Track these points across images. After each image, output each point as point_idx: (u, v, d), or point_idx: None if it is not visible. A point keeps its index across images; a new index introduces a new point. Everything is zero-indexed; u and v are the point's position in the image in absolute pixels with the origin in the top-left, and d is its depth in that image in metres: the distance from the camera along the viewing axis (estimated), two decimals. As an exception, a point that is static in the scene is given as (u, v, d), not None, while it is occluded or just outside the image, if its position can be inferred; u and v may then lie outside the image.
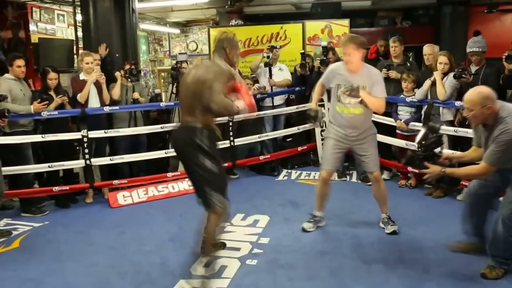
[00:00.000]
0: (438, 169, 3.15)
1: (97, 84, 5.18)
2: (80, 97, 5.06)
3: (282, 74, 6.38)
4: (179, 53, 6.86)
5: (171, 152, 5.62)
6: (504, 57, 4.35)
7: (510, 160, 3.00)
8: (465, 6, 9.17)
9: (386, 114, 5.38)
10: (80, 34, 7.41)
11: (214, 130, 3.10)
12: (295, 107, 6.37)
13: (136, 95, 5.37)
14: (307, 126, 6.39)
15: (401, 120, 5.16)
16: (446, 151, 4.17)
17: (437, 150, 3.26)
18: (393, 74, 5.39)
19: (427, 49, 5.35)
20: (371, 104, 3.77)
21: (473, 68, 4.78)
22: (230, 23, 8.96)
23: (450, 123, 4.79)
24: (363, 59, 3.82)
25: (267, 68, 6.20)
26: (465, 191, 3.51)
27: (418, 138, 3.35)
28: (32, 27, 7.93)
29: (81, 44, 7.26)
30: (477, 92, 3.07)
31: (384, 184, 4.06)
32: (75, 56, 7.85)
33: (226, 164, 5.77)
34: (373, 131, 3.98)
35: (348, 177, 5.77)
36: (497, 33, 8.43)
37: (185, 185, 5.37)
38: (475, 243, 3.48)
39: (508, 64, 4.33)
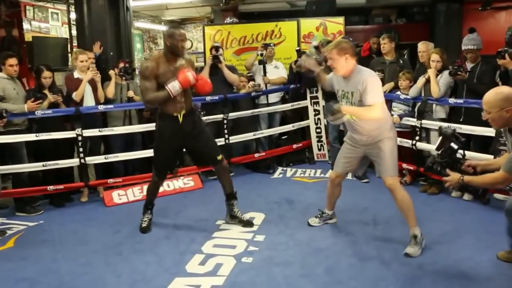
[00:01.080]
0: (457, 177, 2.93)
1: (91, 82, 5.16)
2: (76, 96, 5.05)
3: (277, 72, 6.38)
4: (174, 51, 6.84)
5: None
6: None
7: None
8: (459, 3, 9.21)
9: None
10: (74, 32, 7.39)
11: (166, 115, 3.92)
12: (290, 104, 6.38)
13: (130, 93, 5.36)
14: (302, 124, 6.40)
15: (393, 115, 5.18)
16: (474, 156, 4.17)
17: (459, 155, 3.05)
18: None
19: (421, 46, 5.36)
20: (359, 116, 3.55)
21: (469, 65, 4.79)
22: (225, 21, 8.94)
23: (443, 121, 4.81)
24: (351, 64, 3.58)
25: (261, 66, 6.20)
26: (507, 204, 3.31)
27: (436, 144, 3.15)
28: (25, 25, 7.89)
29: (75, 43, 7.24)
30: (496, 92, 2.82)
31: (403, 193, 3.60)
32: (70, 55, 7.82)
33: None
34: (386, 135, 3.63)
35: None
36: (491, 30, 8.45)
37: (180, 183, 5.38)
38: None
39: (499, 60, 4.36)
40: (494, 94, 2.81)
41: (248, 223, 4.19)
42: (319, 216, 4.19)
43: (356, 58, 3.65)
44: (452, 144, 3.00)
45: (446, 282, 3.11)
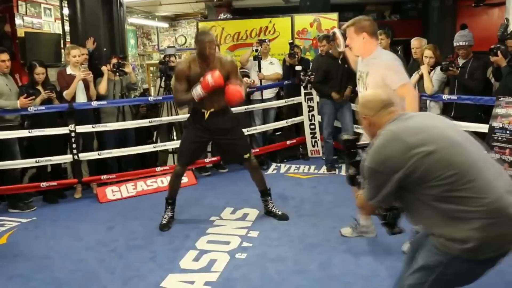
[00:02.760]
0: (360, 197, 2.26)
1: (84, 80, 5.12)
2: (66, 95, 5.00)
3: (272, 68, 6.37)
4: (168, 47, 6.83)
5: (159, 146, 5.62)
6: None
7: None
8: (453, 0, 9.23)
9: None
10: (67, 28, 7.33)
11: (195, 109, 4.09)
12: (284, 100, 6.38)
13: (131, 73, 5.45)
14: (296, 120, 6.41)
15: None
16: None
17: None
18: None
19: (414, 42, 5.37)
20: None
21: (461, 61, 4.82)
22: (219, 17, 8.93)
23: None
24: (370, 44, 3.28)
25: (256, 62, 6.19)
26: None
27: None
28: (18, 21, 7.81)
29: (68, 39, 7.19)
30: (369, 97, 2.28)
31: None
32: (63, 51, 7.77)
33: (215, 158, 5.78)
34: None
35: (337, 170, 5.79)
36: (484, 27, 8.47)
37: (174, 179, 5.37)
38: None
39: (492, 56, 4.37)
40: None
41: (283, 217, 4.25)
42: (353, 226, 3.79)
43: (375, 40, 3.34)
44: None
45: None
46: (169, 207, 4.25)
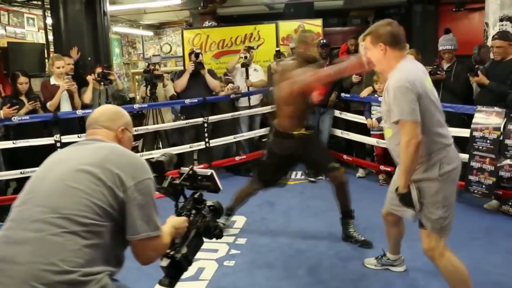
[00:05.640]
0: None
1: (68, 89, 5.08)
2: (50, 106, 4.96)
3: (257, 75, 6.39)
4: (153, 55, 6.83)
5: (145, 155, 5.58)
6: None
7: None
8: (435, 4, 9.37)
9: (359, 112, 5.48)
10: (51, 37, 7.29)
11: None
12: (270, 106, 6.39)
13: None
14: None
15: (372, 118, 5.24)
16: None
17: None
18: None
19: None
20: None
21: (445, 65, 4.90)
22: (204, 25, 8.95)
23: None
24: (392, 58, 2.53)
25: (243, 69, 6.20)
26: None
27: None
28: (0, 31, 7.77)
29: (52, 48, 7.15)
30: None
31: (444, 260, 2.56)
32: (46, 61, 7.72)
33: (201, 166, 5.76)
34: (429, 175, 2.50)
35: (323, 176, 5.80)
36: (465, 31, 8.60)
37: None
38: None
39: (472, 77, 4.55)
40: None
41: (366, 243, 3.72)
42: (379, 257, 3.36)
43: (399, 51, 2.56)
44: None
45: (425, 280, 3.14)
46: (227, 217, 4.08)
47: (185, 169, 2.09)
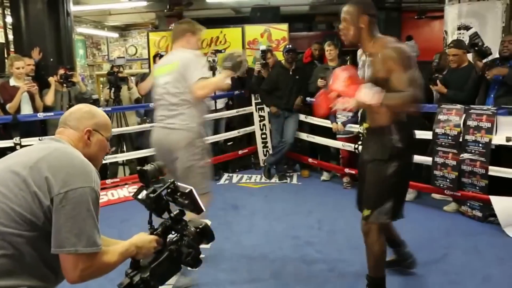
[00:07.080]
0: None
1: (28, 91, 4.96)
2: (10, 108, 4.82)
3: (221, 78, 6.37)
4: (117, 57, 6.74)
5: (110, 158, 5.51)
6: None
7: None
8: (398, 12, 9.62)
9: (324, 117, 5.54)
10: (11, 37, 7.09)
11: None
12: (235, 110, 6.40)
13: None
14: (247, 130, 6.44)
15: (337, 123, 5.31)
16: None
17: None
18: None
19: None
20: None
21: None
22: (170, 27, 8.89)
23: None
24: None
25: (211, 72, 6.18)
26: None
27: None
28: (-43, 30, 7.52)
29: (12, 48, 6.96)
30: None
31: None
32: (6, 61, 7.50)
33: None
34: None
35: (288, 179, 5.86)
36: (426, 37, 8.86)
37: (125, 191, 5.27)
38: None
39: (432, 86, 4.70)
40: None
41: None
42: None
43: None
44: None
45: (393, 282, 3.19)
46: None
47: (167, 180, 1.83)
